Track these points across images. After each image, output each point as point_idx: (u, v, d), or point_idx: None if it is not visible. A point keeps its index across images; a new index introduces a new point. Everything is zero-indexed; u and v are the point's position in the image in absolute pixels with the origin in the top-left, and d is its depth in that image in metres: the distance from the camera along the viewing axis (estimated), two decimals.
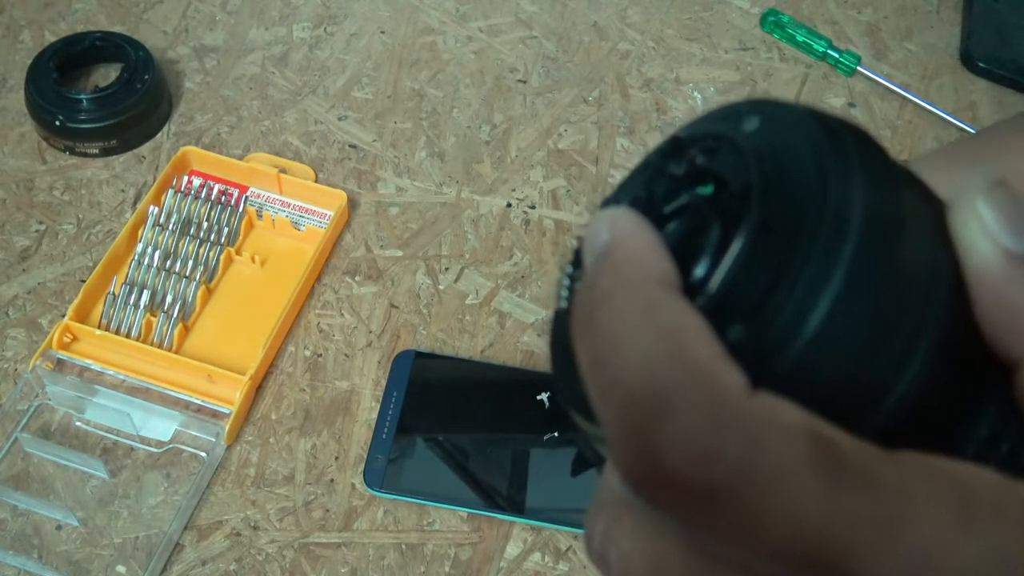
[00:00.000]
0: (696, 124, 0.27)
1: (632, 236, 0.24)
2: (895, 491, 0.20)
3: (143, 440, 0.62)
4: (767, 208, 0.22)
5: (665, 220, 0.25)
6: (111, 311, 0.67)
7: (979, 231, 0.23)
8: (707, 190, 0.25)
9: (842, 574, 0.20)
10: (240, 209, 0.72)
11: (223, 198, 0.73)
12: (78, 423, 0.63)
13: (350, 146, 0.78)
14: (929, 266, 0.22)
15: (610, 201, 0.27)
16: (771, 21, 0.87)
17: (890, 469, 0.20)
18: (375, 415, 0.64)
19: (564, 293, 0.27)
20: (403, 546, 0.60)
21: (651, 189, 0.26)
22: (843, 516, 0.19)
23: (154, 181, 0.73)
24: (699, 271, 0.23)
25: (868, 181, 0.22)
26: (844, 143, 0.23)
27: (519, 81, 0.83)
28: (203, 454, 0.62)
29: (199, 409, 0.64)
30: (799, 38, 0.86)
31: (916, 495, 0.20)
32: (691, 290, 0.23)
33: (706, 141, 0.26)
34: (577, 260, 0.27)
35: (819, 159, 0.23)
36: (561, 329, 0.27)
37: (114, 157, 0.76)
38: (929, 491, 0.20)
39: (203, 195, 0.73)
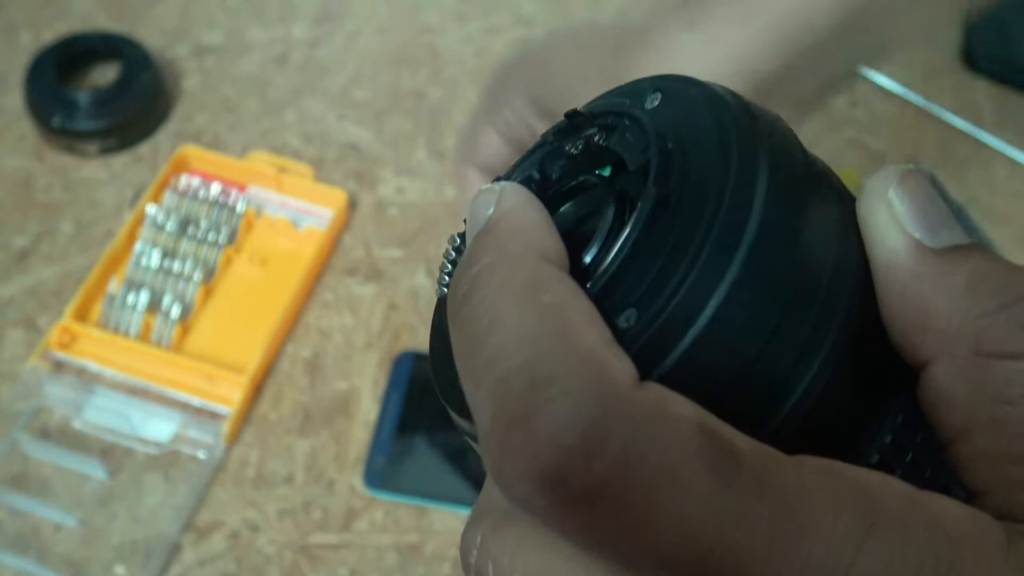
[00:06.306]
0: (596, 101, 0.25)
1: (519, 211, 0.22)
2: (794, 496, 0.18)
3: (142, 440, 0.62)
4: (665, 187, 0.21)
5: (558, 203, 0.24)
6: (110, 311, 0.66)
7: (889, 222, 0.21)
8: (605, 171, 0.24)
9: None
10: (239, 209, 0.72)
11: (222, 197, 0.73)
12: (76, 424, 0.63)
13: (350, 146, 0.78)
14: (835, 260, 0.21)
15: (500, 180, 0.25)
16: None
17: (789, 472, 0.19)
18: (374, 416, 0.64)
19: (445, 280, 0.25)
20: (403, 547, 0.60)
21: (544, 169, 0.25)
22: (737, 522, 0.18)
23: (153, 180, 0.73)
24: (590, 256, 0.22)
25: (775, 166, 0.21)
26: (754, 125, 0.22)
27: None
28: (202, 454, 0.62)
29: (198, 409, 0.63)
30: None
31: (816, 501, 0.18)
32: (582, 276, 0.21)
33: (606, 118, 0.24)
34: (462, 244, 0.24)
35: (724, 139, 0.21)
36: (441, 318, 0.25)
37: (113, 157, 0.76)
38: (830, 497, 0.18)
39: (202, 195, 0.72)
